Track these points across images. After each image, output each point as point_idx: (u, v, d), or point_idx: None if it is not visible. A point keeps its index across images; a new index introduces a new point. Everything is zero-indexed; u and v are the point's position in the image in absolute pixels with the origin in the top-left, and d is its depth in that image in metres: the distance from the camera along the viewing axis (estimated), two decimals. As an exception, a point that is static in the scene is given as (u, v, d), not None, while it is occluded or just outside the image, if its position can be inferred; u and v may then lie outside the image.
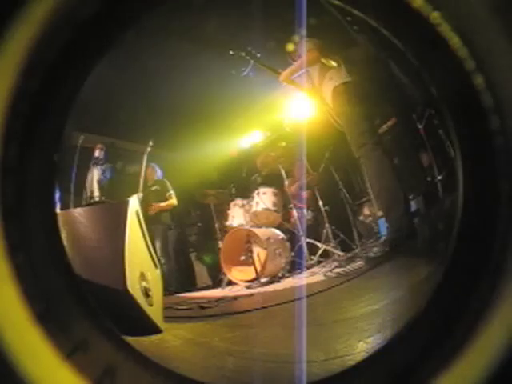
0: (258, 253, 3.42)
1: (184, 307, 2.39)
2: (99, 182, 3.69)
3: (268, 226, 3.80)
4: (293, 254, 3.60)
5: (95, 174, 3.73)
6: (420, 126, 2.65)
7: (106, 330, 0.57)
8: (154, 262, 1.84)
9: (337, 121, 2.79)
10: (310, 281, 2.67)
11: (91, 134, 3.83)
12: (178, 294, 3.63)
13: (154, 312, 1.57)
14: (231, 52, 3.13)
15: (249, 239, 3.48)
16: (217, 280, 4.07)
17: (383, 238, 2.43)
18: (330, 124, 2.94)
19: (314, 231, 3.73)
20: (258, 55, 3.02)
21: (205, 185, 4.56)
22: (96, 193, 3.64)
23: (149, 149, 3.94)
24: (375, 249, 2.75)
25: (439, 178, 2.54)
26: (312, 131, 3.34)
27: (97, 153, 3.81)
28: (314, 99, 2.89)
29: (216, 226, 4.29)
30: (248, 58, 3.07)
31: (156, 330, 1.53)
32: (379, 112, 2.62)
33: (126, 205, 1.67)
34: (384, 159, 2.40)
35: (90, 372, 0.51)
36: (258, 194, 3.87)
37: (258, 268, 3.29)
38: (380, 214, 3.28)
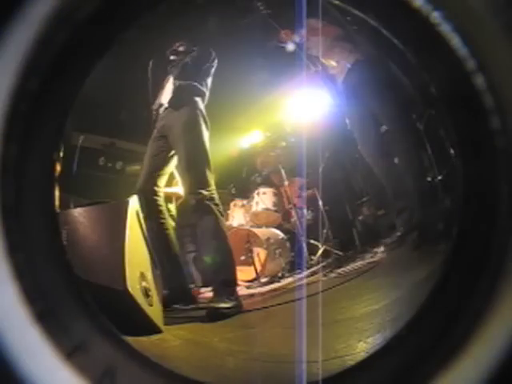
0: (258, 253, 3.42)
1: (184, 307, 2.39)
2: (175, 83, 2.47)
3: (268, 225, 3.80)
4: (293, 254, 3.59)
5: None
6: (420, 126, 2.65)
7: (105, 330, 0.57)
8: (154, 262, 1.84)
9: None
10: (310, 281, 2.67)
11: (91, 134, 3.82)
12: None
13: (154, 312, 1.57)
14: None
15: (249, 239, 3.48)
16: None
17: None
18: (331, 124, 2.95)
19: (314, 231, 3.73)
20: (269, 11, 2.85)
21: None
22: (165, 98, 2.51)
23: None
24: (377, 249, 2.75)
25: (439, 178, 2.54)
26: (312, 131, 3.34)
27: (182, 48, 2.56)
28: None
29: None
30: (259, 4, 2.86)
31: (156, 330, 1.53)
32: (379, 112, 2.61)
33: (126, 205, 1.67)
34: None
35: (89, 372, 0.51)
36: (257, 194, 3.87)
37: (258, 268, 3.29)
38: (380, 213, 3.28)
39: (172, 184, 3.84)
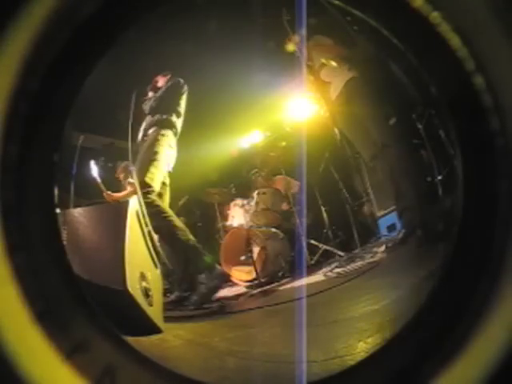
0: (258, 253, 3.42)
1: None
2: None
3: (268, 226, 3.79)
4: (293, 254, 3.59)
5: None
6: (420, 126, 2.65)
7: (105, 330, 0.57)
8: (154, 262, 1.84)
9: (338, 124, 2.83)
10: (310, 281, 2.67)
11: (91, 134, 3.82)
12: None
13: (154, 312, 1.57)
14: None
15: (249, 239, 3.48)
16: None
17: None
18: (330, 124, 2.95)
19: (314, 231, 3.73)
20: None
21: (205, 185, 4.56)
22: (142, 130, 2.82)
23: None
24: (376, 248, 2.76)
25: (439, 177, 2.54)
26: (312, 131, 3.34)
27: (160, 82, 2.87)
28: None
29: (220, 225, 4.26)
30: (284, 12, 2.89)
31: (156, 330, 1.53)
32: (379, 112, 2.62)
33: (126, 205, 1.67)
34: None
35: (90, 372, 0.51)
36: (258, 193, 3.87)
37: (258, 268, 3.28)
38: (380, 213, 3.28)
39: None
